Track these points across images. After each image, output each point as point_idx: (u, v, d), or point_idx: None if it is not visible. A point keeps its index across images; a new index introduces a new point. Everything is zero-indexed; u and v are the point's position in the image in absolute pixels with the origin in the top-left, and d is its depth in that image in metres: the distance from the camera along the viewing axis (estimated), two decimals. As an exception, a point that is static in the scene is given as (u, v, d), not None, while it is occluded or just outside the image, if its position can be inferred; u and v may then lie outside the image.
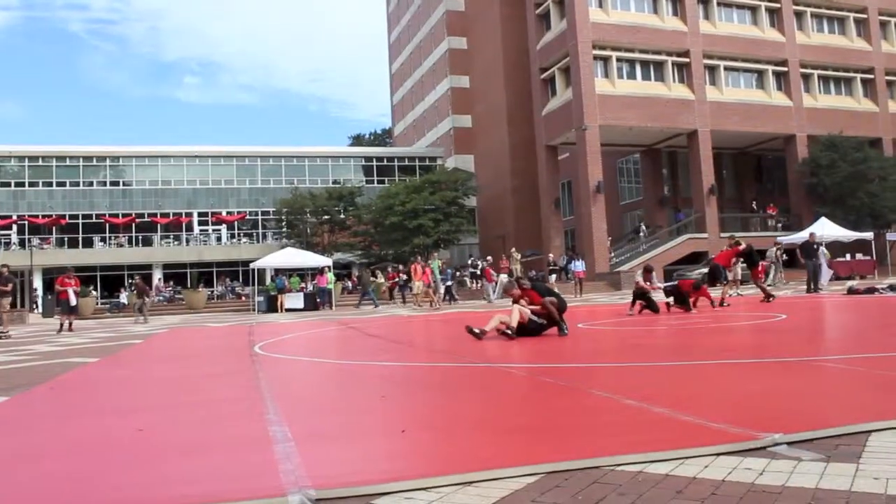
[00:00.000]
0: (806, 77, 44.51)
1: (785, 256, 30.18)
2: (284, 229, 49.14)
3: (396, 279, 33.06)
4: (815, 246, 24.49)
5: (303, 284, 35.71)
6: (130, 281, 44.01)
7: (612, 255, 40.92)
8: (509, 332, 9.93)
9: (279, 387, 6.68)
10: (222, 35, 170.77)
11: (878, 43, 46.27)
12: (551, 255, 37.59)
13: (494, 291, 30.37)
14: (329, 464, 3.54)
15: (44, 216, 48.05)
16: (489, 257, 36.41)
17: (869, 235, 34.83)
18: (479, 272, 35.92)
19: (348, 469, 3.38)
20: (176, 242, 50.94)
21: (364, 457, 3.67)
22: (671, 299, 15.47)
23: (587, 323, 13.18)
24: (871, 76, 45.94)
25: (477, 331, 10.08)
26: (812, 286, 22.95)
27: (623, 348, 9.11)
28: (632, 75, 41.11)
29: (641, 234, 43.14)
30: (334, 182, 52.03)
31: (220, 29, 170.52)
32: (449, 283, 31.25)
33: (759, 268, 18.06)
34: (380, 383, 6.68)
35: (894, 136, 45.56)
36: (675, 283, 16.06)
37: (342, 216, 47.36)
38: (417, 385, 6.58)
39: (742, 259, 18.24)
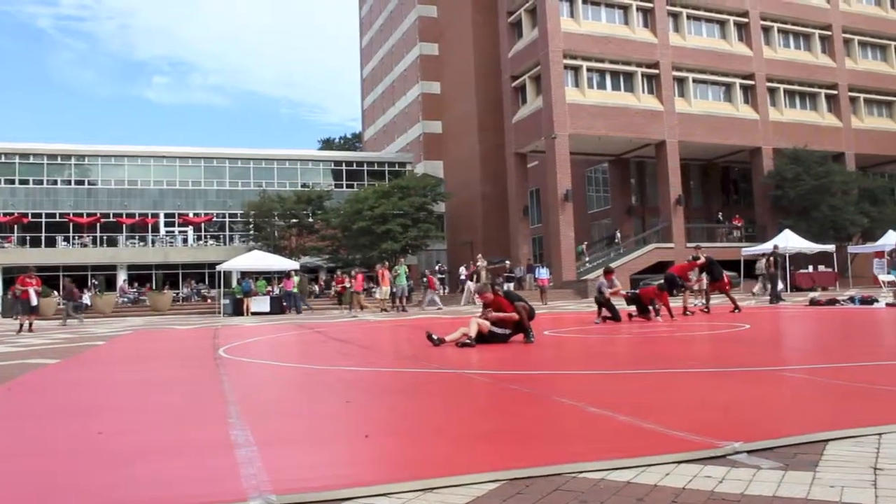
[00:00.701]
0: (772, 91, 45.16)
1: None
2: (252, 232, 48.83)
3: (345, 283, 32.02)
4: (778, 258, 24.88)
5: (269, 288, 35.47)
6: (94, 282, 43.47)
7: (587, 260, 41.30)
8: (468, 341, 9.88)
9: (243, 390, 6.63)
10: (194, 35, 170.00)
11: (841, 60, 47.10)
12: (507, 262, 37.57)
13: (439, 300, 30.40)
14: (291, 468, 3.50)
15: (5, 214, 47.27)
16: (439, 265, 36.43)
17: (831, 248, 35.36)
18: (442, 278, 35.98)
19: (310, 474, 3.35)
20: (141, 243, 50.40)
21: (326, 462, 3.65)
22: (633, 308, 15.59)
23: (553, 330, 13.23)
24: (835, 92, 46.73)
25: (436, 338, 10.06)
26: (776, 295, 23.32)
27: (588, 356, 9.16)
28: (602, 85, 41.44)
29: (616, 240, 43.43)
30: (303, 185, 51.84)
31: (192, 29, 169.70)
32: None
33: (725, 279, 18.24)
34: (344, 388, 6.64)
35: (857, 150, 46.37)
36: (637, 291, 16.15)
37: (310, 220, 47.18)
38: (382, 390, 6.55)
39: (703, 272, 18.40)
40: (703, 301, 19.29)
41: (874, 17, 49.09)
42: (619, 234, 44.10)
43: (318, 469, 3.47)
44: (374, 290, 31.86)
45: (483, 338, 10.03)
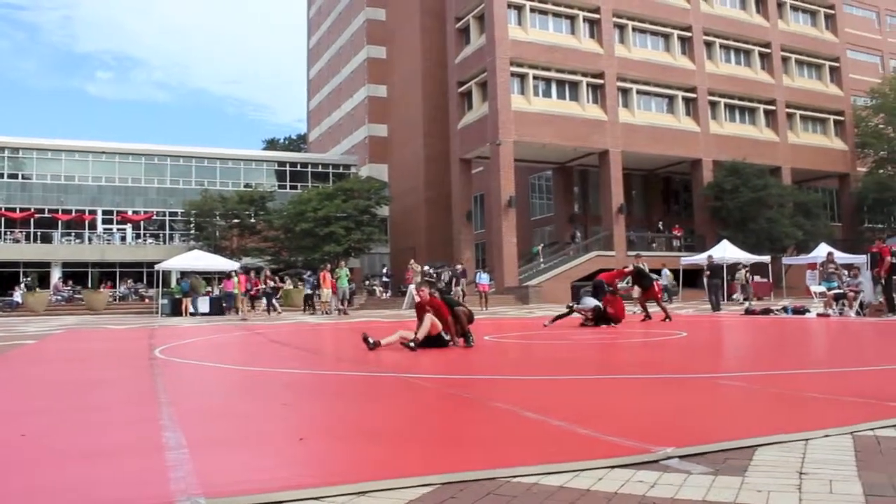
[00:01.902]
0: (713, 104, 46.05)
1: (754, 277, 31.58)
2: (192, 231, 48.10)
3: (261, 286, 31.12)
4: (714, 268, 25.41)
5: (209, 288, 34.99)
6: (26, 279, 42.34)
7: (542, 261, 41.68)
8: (412, 344, 9.83)
9: (177, 392, 6.51)
10: (140, 30, 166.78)
11: (780, 76, 48.29)
12: (426, 267, 36.86)
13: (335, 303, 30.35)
14: (222, 471, 3.45)
15: (-66, 207, 45.89)
16: (385, 268, 36.28)
17: (767, 259, 36.16)
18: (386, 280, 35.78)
19: (241, 477, 3.30)
20: (78, 240, 49.26)
21: (259, 465, 3.59)
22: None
23: (494, 336, 13.27)
24: (773, 107, 47.87)
25: (371, 341, 9.98)
26: (717, 304, 23.81)
27: (527, 361, 9.20)
28: (547, 93, 41.76)
29: (577, 240, 43.69)
30: (246, 186, 51.29)
31: (137, 23, 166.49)
32: (308, 290, 31.07)
33: (656, 288, 18.51)
34: (282, 390, 6.57)
35: (792, 165, 47.53)
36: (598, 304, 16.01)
37: (252, 220, 46.69)
38: (320, 393, 6.50)
39: (634, 282, 18.64)
40: (637, 309, 19.54)
41: (810, 37, 50.50)
42: (578, 235, 44.48)
43: (250, 472, 3.42)
44: (317, 293, 31.62)
45: (428, 341, 9.99)
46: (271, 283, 30.93)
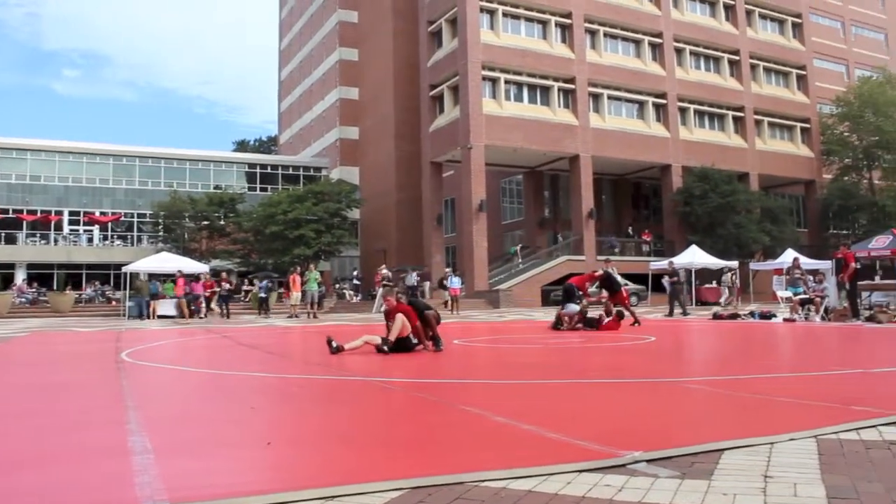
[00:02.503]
0: (683, 110, 46.48)
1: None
2: (161, 233, 47.60)
3: (215, 288, 30.26)
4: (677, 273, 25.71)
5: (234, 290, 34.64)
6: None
7: (520, 261, 41.87)
8: (385, 347, 9.80)
9: (143, 396, 6.44)
10: (109, 28, 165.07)
11: (748, 84, 48.89)
12: (385, 270, 36.66)
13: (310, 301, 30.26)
14: (188, 476, 3.42)
15: None
16: (356, 271, 36.14)
17: (734, 264, 36.48)
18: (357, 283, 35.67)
19: (208, 482, 3.27)
20: (43, 241, 48.60)
21: (226, 469, 3.57)
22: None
23: (464, 339, 13.27)
24: (742, 114, 48.43)
25: (335, 345, 9.91)
26: (675, 310, 24.02)
27: (497, 365, 9.22)
28: (519, 98, 41.90)
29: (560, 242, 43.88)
30: (216, 187, 50.90)
31: (106, 21, 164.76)
32: (263, 294, 30.81)
33: (624, 293, 18.64)
34: (250, 394, 6.52)
35: (760, 171, 48.13)
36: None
37: (222, 223, 46.32)
38: (288, 397, 6.46)
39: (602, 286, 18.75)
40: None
41: (778, 45, 51.21)
42: (560, 238, 44.74)
43: (216, 476, 3.39)
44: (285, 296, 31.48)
45: (396, 345, 9.95)
46: (227, 286, 30.49)
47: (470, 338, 13.96)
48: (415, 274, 36.41)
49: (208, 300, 30.15)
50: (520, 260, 42.45)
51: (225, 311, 29.41)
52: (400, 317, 10.03)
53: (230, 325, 22.95)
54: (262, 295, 30.96)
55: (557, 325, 15.79)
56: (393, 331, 9.93)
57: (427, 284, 35.56)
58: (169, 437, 4.41)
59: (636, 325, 17.18)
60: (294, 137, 68.36)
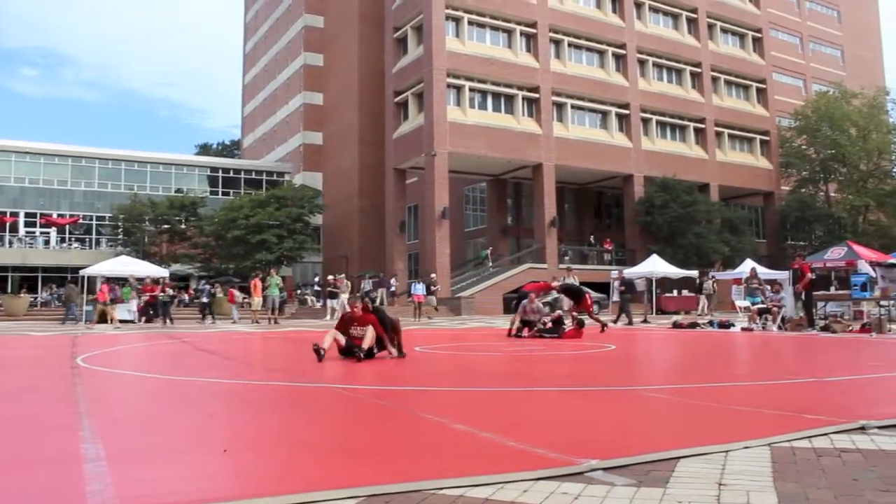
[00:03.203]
0: (645, 121, 46.96)
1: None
2: (120, 236, 46.94)
3: (157, 293, 29.00)
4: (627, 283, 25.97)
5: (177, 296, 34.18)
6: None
7: (491, 265, 41.95)
8: (361, 355, 9.68)
9: (98, 402, 6.34)
10: (70, 27, 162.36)
11: (709, 96, 49.56)
12: (340, 275, 36.27)
13: (236, 314, 30.13)
14: (141, 484, 3.36)
15: None
16: (317, 277, 35.90)
17: (694, 273, 36.84)
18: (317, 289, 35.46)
19: (161, 489, 3.23)
20: (-3, 243, 47.72)
21: (180, 477, 3.52)
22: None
23: (426, 347, 13.26)
24: (703, 126, 49.06)
25: (322, 353, 9.83)
26: (622, 319, 24.30)
27: (457, 373, 9.22)
28: (483, 106, 42.03)
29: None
30: (177, 191, 50.40)
31: (67, 20, 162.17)
32: (205, 299, 30.57)
33: (588, 301, 18.80)
34: (208, 401, 6.46)
35: (720, 182, 48.78)
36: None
37: (183, 226, 45.84)
38: (247, 404, 6.39)
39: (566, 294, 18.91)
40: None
41: (738, 59, 51.98)
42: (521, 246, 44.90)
43: (170, 484, 3.34)
44: (246, 300, 31.16)
45: (350, 350, 9.89)
46: (170, 291, 29.81)
47: (432, 345, 13.95)
48: (369, 280, 36.36)
49: (150, 305, 29.04)
50: (490, 264, 42.59)
51: (168, 317, 28.23)
52: (371, 329, 9.98)
53: (189, 330, 22.70)
54: (205, 300, 30.50)
55: (520, 330, 15.81)
56: (367, 339, 9.86)
57: (382, 291, 35.51)
58: (123, 444, 4.34)
59: (604, 330, 17.40)
60: (257, 142, 67.90)
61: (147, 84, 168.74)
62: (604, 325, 17.98)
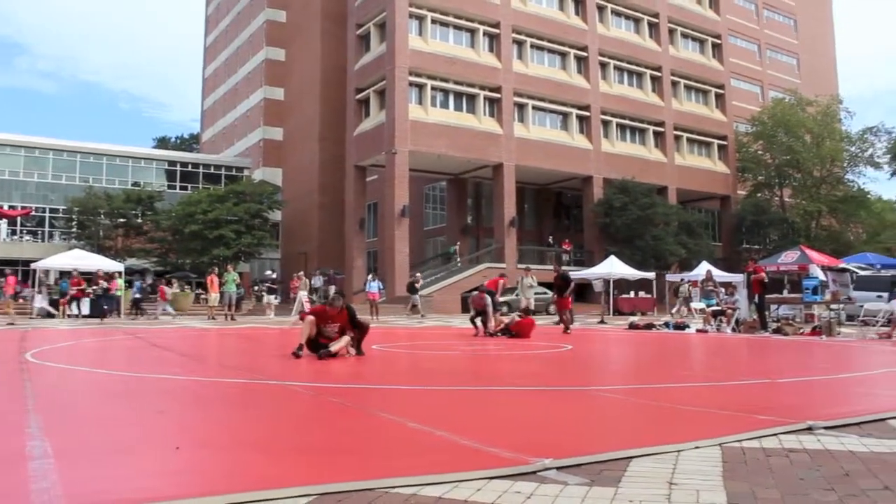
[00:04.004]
0: (605, 123, 47.36)
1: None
2: (74, 229, 46.17)
3: (83, 287, 27.85)
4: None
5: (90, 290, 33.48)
6: None
7: (458, 261, 41.98)
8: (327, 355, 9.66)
9: (47, 398, 6.22)
10: (26, 15, 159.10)
11: (669, 100, 50.15)
12: (301, 273, 36.14)
13: (171, 309, 29.97)
14: (89, 482, 3.31)
15: None
16: (274, 273, 35.75)
17: (651, 275, 37.21)
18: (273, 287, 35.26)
19: (110, 487, 3.17)
20: (-55, 234, 46.70)
21: (130, 475, 3.47)
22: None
23: (383, 345, 13.23)
24: (662, 129, 49.63)
25: (300, 354, 9.74)
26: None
27: (414, 372, 9.22)
28: (445, 105, 42.05)
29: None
30: (134, 184, 49.71)
31: (24, 8, 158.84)
32: (137, 294, 30.21)
33: (569, 300, 19.00)
34: (160, 397, 6.36)
35: (678, 185, 49.38)
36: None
37: (139, 221, 45.23)
38: (200, 401, 6.32)
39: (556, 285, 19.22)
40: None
41: (698, 64, 52.71)
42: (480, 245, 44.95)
43: (119, 482, 3.29)
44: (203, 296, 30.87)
45: (316, 345, 9.83)
46: (103, 284, 28.31)
47: (389, 343, 13.91)
48: (320, 277, 36.21)
49: (74, 299, 27.86)
50: (458, 259, 42.59)
51: (98, 311, 27.02)
52: (346, 338, 9.95)
53: (143, 325, 22.39)
54: (137, 296, 29.93)
55: (475, 317, 16.05)
56: (338, 344, 9.77)
57: (332, 288, 35.44)
58: (71, 441, 4.26)
59: (567, 332, 17.57)
60: (217, 136, 67.25)
61: (107, 76, 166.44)
62: (567, 328, 18.13)
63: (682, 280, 33.56)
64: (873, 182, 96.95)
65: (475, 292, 16.49)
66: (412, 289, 32.53)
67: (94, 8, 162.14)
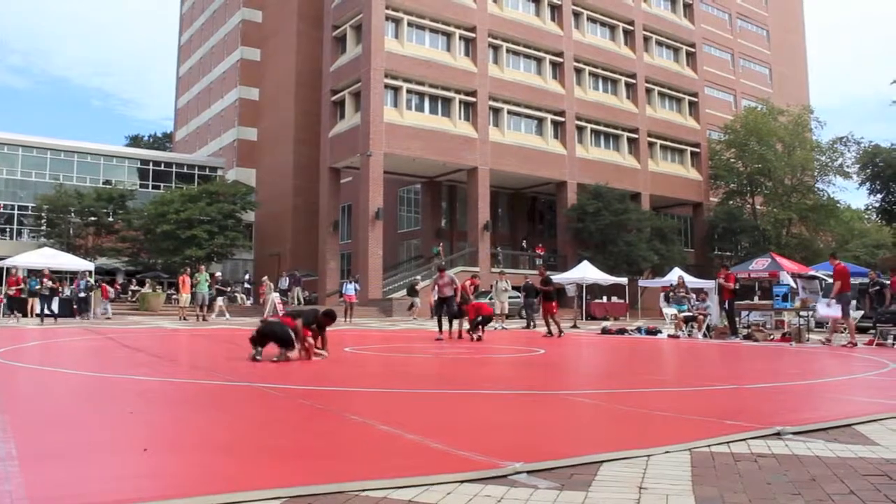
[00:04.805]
0: (580, 129, 47.56)
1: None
2: (44, 228, 45.61)
3: (21, 285, 27.03)
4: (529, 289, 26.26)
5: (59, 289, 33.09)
6: None
7: (443, 261, 41.82)
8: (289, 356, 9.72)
9: (12, 399, 6.16)
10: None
11: (643, 106, 50.48)
12: (266, 278, 35.82)
13: (110, 309, 29.93)
14: (54, 485, 3.27)
15: None
16: (247, 275, 35.70)
17: (624, 280, 37.47)
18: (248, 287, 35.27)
19: (76, 490, 3.14)
20: (-90, 231, 45.96)
21: (97, 477, 3.43)
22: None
23: (355, 347, 13.20)
24: (636, 136, 49.92)
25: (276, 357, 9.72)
26: (529, 324, 24.59)
27: (386, 374, 9.19)
28: (420, 108, 42.01)
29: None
30: (105, 182, 49.22)
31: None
32: (81, 294, 29.92)
33: (554, 305, 19.15)
34: (130, 398, 6.30)
35: (651, 192, 49.71)
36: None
37: (110, 219, 44.78)
38: (170, 402, 6.28)
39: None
40: (502, 325, 20.01)
41: (672, 72, 53.10)
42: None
43: (86, 485, 3.26)
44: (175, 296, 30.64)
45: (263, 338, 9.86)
46: (49, 284, 26.94)
47: (362, 346, 13.89)
48: (287, 279, 36.18)
49: (13, 300, 26.96)
50: (442, 260, 42.47)
51: (44, 314, 25.82)
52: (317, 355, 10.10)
53: (113, 325, 22.17)
54: (81, 294, 29.58)
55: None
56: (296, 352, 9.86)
57: (297, 290, 35.44)
58: (37, 442, 4.21)
59: (550, 336, 17.71)
60: (190, 135, 66.74)
61: (80, 72, 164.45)
62: (550, 332, 18.28)
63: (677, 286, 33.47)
64: (842, 191, 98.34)
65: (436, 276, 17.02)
66: (412, 291, 32.81)
67: (66, 2, 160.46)
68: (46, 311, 26.17)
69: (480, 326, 16.11)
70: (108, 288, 31.04)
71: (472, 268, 40.80)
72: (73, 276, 33.33)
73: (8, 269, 29.13)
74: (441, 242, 45.20)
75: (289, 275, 37.29)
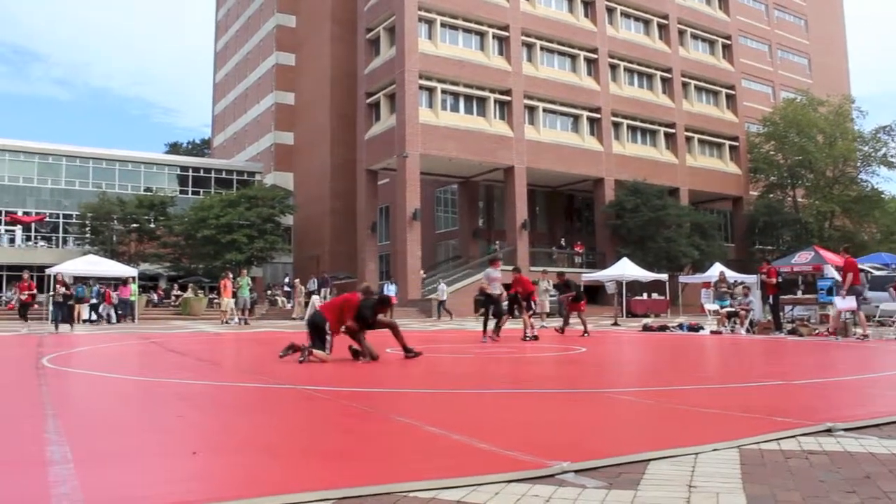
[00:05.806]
0: (616, 125, 47.24)
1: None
2: (88, 235, 46.37)
3: (34, 290, 26.15)
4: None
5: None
6: None
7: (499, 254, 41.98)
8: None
9: (65, 403, 6.25)
10: (41, 24, 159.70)
11: (679, 101, 49.96)
12: (297, 281, 35.98)
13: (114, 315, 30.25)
14: (109, 487, 3.32)
15: None
16: (287, 277, 36.02)
17: (664, 277, 37.14)
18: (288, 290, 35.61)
19: (129, 493, 3.19)
20: (-39, 241, 46.93)
21: (149, 480, 3.48)
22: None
23: (397, 349, 13.21)
24: (673, 130, 49.45)
25: (285, 352, 9.83)
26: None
27: (430, 375, 9.19)
28: (455, 108, 42.02)
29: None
30: (146, 189, 49.89)
31: (38, 17, 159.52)
32: (94, 300, 30.07)
33: (582, 304, 19.08)
34: (177, 402, 6.38)
35: (690, 186, 49.19)
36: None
37: (152, 226, 45.41)
38: (217, 405, 6.34)
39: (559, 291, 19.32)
40: (543, 323, 19.93)
41: (708, 65, 52.50)
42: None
43: (138, 488, 3.30)
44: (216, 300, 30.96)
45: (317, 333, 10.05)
46: (62, 290, 24.54)
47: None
48: (315, 280, 36.46)
49: (25, 305, 25.81)
50: (499, 253, 42.42)
51: (60, 318, 24.09)
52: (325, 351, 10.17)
53: (158, 330, 22.45)
54: (94, 300, 29.54)
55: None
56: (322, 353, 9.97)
57: (325, 291, 35.68)
58: (90, 446, 4.28)
59: (587, 335, 17.65)
60: (228, 141, 67.43)
61: (119, 83, 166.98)
62: (585, 330, 18.19)
63: (738, 282, 32.78)
64: (887, 182, 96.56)
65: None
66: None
67: (105, 15, 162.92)
68: (92, 317, 26.54)
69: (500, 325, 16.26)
70: (112, 293, 31.14)
71: (510, 267, 40.56)
72: (116, 282, 33.78)
73: (31, 275, 29.45)
74: (497, 241, 44.96)
75: (318, 278, 37.60)
